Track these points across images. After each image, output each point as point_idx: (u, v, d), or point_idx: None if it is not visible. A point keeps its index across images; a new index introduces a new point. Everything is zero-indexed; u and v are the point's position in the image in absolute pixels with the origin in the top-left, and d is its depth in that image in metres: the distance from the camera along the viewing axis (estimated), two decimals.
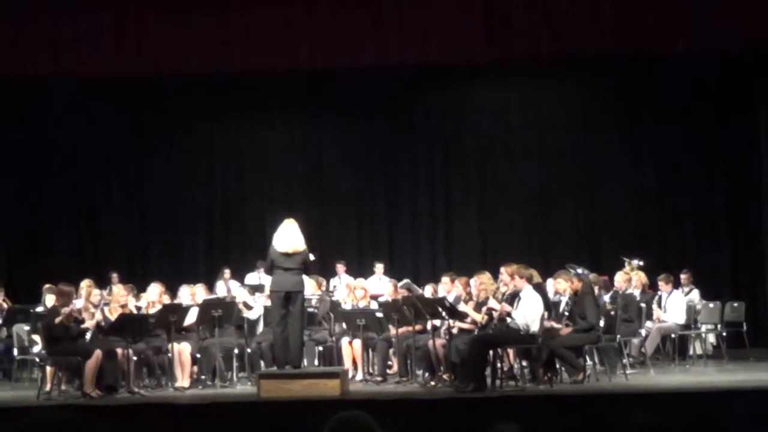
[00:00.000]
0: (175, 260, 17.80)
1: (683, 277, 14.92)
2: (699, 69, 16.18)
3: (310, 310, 12.91)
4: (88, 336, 12.01)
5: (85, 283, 12.81)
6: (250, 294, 14.01)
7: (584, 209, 17.53)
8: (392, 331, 12.50)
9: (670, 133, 16.95)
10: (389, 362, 13.08)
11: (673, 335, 13.91)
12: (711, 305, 14.42)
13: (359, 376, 12.81)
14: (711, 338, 14.61)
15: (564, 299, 12.21)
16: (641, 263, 14.76)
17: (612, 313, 12.58)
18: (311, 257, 11.75)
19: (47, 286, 13.35)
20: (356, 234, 18.15)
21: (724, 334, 14.24)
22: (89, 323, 11.93)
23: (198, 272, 16.52)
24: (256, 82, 17.03)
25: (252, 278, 16.09)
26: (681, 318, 13.92)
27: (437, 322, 12.04)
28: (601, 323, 12.11)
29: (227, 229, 18.34)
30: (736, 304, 14.51)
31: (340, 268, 16.61)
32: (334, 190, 18.09)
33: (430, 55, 15.05)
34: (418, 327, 12.38)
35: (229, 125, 18.29)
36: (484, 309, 11.69)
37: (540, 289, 11.90)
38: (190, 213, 18.25)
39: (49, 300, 12.72)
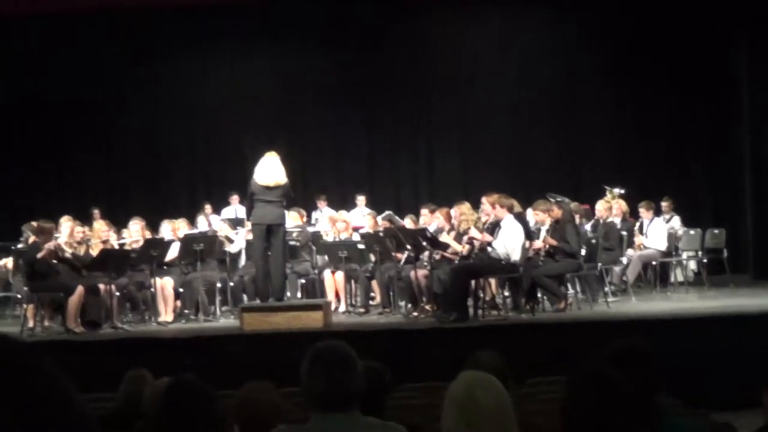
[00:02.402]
0: (156, 195, 17.72)
1: (664, 204, 14.94)
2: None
3: (292, 242, 12.91)
4: None
5: (64, 219, 12.72)
6: (231, 228, 13.98)
7: (565, 138, 17.47)
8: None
9: (649, 60, 16.86)
10: (372, 293, 13.11)
11: (654, 262, 13.97)
12: (692, 232, 14.44)
13: (342, 307, 12.86)
14: (692, 265, 14.68)
15: (544, 228, 12.19)
16: (622, 191, 14.75)
17: (593, 241, 12.61)
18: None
19: (28, 224, 13.22)
20: (337, 167, 18.07)
21: (705, 260, 14.26)
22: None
23: (179, 207, 16.45)
24: (234, 13, 16.84)
25: (228, 212, 16.04)
26: (662, 245, 13.95)
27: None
28: (583, 252, 12.15)
29: (207, 164, 18.23)
30: (716, 231, 14.51)
31: (321, 202, 16.55)
32: (314, 123, 17.96)
33: None
34: (399, 255, 12.39)
35: (208, 57, 18.10)
36: (465, 239, 11.70)
37: (521, 218, 11.89)
38: (169, 147, 18.13)
39: (31, 239, 12.60)
